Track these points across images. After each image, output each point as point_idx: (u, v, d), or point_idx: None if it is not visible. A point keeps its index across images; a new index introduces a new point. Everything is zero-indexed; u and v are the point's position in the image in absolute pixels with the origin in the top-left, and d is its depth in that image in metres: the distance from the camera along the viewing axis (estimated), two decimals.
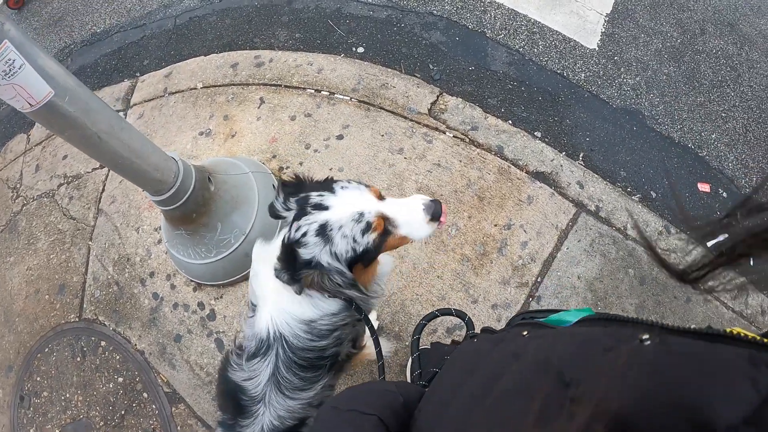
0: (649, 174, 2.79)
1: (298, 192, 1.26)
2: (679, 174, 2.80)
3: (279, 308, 1.31)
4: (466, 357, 0.91)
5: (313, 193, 1.22)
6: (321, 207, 1.19)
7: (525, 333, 0.79)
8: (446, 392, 0.79)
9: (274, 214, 1.28)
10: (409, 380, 2.14)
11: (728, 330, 0.48)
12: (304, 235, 1.17)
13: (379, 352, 1.29)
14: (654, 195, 2.75)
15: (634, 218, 2.53)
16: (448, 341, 2.31)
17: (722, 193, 2.76)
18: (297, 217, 1.21)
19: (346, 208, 1.19)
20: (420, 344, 1.26)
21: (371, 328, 1.34)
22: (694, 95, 2.95)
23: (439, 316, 1.30)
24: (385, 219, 1.23)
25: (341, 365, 1.58)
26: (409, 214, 1.25)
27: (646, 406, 0.42)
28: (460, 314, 1.27)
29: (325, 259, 1.17)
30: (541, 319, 0.93)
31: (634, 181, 2.76)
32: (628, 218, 2.54)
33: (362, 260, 1.23)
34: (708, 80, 3.00)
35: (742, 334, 0.47)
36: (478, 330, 1.21)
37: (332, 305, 1.32)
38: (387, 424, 0.75)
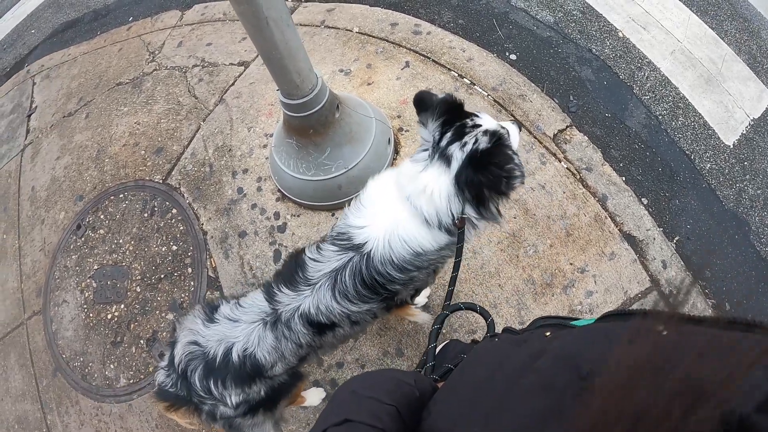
0: (732, 286, 2.71)
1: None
2: (760, 300, 2.71)
3: (396, 231, 1.42)
4: (489, 357, 0.91)
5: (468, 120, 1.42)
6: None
7: (548, 333, 0.80)
8: (469, 391, 0.79)
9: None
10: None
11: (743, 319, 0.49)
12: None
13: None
14: (728, 307, 2.66)
15: None
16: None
17: None
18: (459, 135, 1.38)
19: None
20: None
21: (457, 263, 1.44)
22: None
23: (462, 310, 1.30)
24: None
25: (391, 306, 1.67)
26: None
27: (659, 395, 0.43)
28: (484, 313, 1.27)
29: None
30: (569, 322, 0.94)
31: (714, 286, 2.69)
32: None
33: None
34: None
35: (757, 321, 0.48)
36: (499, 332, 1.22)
37: (444, 238, 1.43)
38: (403, 416, 0.76)
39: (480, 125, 1.39)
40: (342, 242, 1.46)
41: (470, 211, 1.40)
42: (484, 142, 1.34)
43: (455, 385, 0.87)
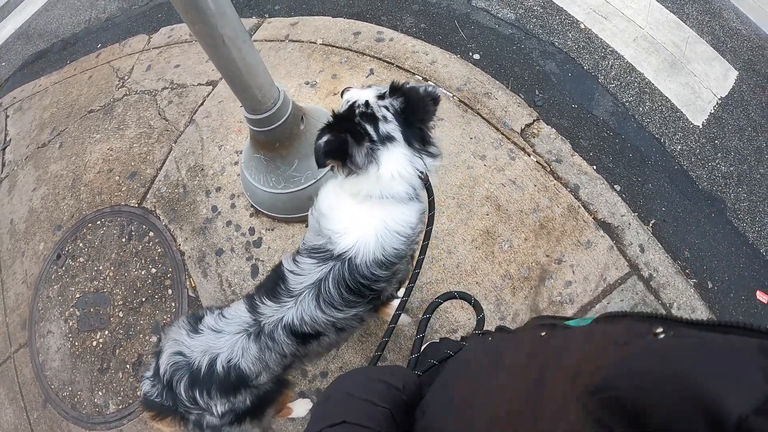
0: (713, 264, 2.73)
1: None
2: (741, 275, 2.73)
3: (386, 226, 1.45)
4: (484, 356, 0.90)
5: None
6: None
7: (543, 334, 0.79)
8: (464, 391, 0.79)
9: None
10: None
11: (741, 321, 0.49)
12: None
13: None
14: (710, 285, 2.68)
15: None
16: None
17: None
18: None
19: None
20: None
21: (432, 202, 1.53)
22: None
23: (456, 299, 1.30)
24: None
25: (377, 306, 1.69)
26: None
27: (657, 397, 0.43)
28: (477, 306, 1.26)
29: None
30: (564, 322, 0.94)
31: (695, 265, 2.71)
32: (677, 297, 2.49)
33: None
34: None
35: (754, 324, 0.48)
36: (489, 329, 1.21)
37: (417, 206, 1.52)
38: (396, 419, 0.78)
39: (368, 100, 1.47)
40: (319, 254, 1.47)
41: (426, 160, 1.48)
42: (394, 102, 1.45)
43: (450, 385, 0.88)
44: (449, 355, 1.08)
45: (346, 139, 1.38)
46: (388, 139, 1.42)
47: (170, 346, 1.50)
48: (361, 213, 1.48)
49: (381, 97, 1.48)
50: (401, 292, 2.30)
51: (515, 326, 2.34)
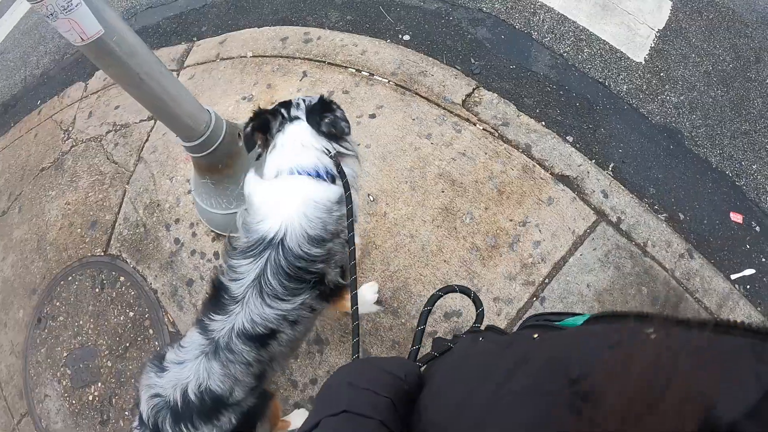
0: (680, 195, 2.72)
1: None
2: (711, 200, 2.72)
3: (302, 201, 1.55)
4: (477, 359, 0.90)
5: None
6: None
7: (535, 336, 0.79)
8: (459, 396, 0.78)
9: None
10: None
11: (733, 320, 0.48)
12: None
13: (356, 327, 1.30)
14: (682, 217, 2.68)
15: None
16: (444, 325, 2.31)
17: (755, 227, 2.65)
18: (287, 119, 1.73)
19: None
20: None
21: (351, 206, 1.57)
22: (740, 122, 2.86)
23: (457, 292, 1.26)
24: None
25: (325, 293, 1.67)
26: None
27: (648, 401, 0.42)
28: (477, 300, 1.24)
29: None
30: (556, 322, 0.93)
31: (663, 200, 2.70)
32: (650, 234, 2.48)
33: None
34: (756, 109, 2.90)
35: (747, 324, 0.46)
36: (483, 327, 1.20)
37: (336, 189, 1.61)
38: (398, 408, 0.78)
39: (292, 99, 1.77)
40: (254, 249, 1.51)
41: (337, 146, 1.69)
42: (313, 100, 1.74)
43: (445, 389, 0.86)
44: (449, 347, 1.07)
45: (268, 118, 1.70)
46: (296, 118, 1.68)
47: (145, 391, 1.52)
48: (280, 192, 1.57)
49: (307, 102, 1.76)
50: (370, 297, 2.31)
51: (492, 296, 2.34)
